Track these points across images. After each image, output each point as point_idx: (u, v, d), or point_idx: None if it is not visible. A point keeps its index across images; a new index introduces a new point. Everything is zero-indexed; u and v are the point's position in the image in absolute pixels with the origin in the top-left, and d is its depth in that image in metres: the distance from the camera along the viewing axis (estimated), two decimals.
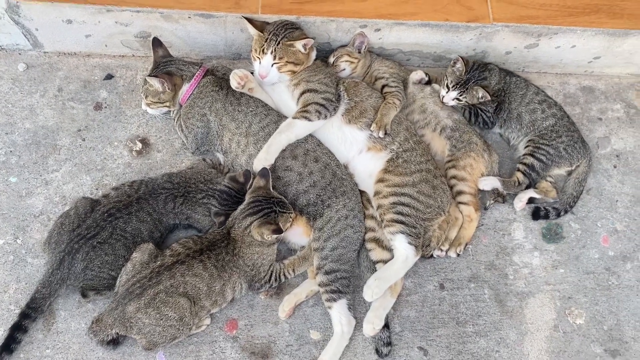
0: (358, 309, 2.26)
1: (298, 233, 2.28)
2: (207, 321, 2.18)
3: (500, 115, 2.58)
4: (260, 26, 2.34)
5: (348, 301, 2.20)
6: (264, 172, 2.15)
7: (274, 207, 2.10)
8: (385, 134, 2.34)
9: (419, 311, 2.31)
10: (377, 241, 2.31)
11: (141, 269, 2.05)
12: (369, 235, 2.33)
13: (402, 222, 2.23)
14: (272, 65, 2.32)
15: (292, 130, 2.27)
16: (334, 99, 2.35)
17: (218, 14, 2.39)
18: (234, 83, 2.31)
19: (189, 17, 2.41)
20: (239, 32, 2.49)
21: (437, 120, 2.51)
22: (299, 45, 2.30)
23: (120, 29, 2.48)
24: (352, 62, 2.53)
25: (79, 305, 2.17)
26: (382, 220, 2.28)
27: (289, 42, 2.29)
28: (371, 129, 2.35)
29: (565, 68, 2.83)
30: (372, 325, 2.18)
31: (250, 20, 2.33)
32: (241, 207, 2.14)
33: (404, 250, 2.23)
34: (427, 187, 2.30)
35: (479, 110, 2.57)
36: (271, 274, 2.21)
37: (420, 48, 2.65)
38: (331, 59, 2.55)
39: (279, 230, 2.06)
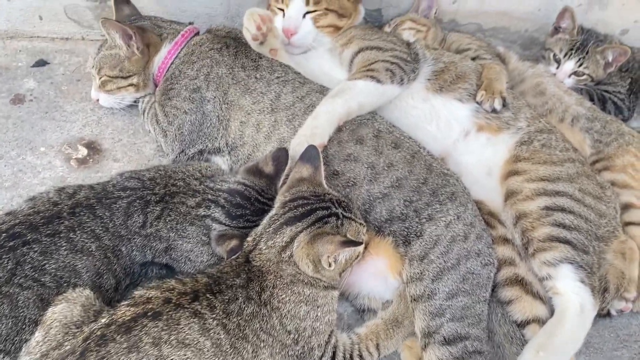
0: None
1: (377, 270, 1.23)
2: None
3: None
4: None
5: None
6: (310, 154, 1.15)
7: (333, 207, 1.08)
8: (503, 104, 1.41)
9: None
10: (521, 283, 1.26)
11: (64, 338, 0.94)
12: (506, 272, 1.28)
13: (566, 242, 1.22)
14: (305, 16, 1.44)
15: (353, 95, 1.31)
16: (409, 58, 1.44)
17: None
18: (251, 29, 1.41)
19: None
20: None
21: (564, 107, 1.61)
22: None
23: None
24: (418, 31, 1.68)
25: None
26: (527, 242, 1.26)
27: None
28: (477, 99, 1.42)
29: None
30: None
31: None
32: (271, 213, 1.11)
33: (575, 296, 1.20)
34: (592, 185, 1.33)
35: (606, 94, 1.72)
36: (334, 351, 1.11)
37: (506, 23, 1.84)
38: (387, 29, 1.69)
39: (351, 243, 1.02)
